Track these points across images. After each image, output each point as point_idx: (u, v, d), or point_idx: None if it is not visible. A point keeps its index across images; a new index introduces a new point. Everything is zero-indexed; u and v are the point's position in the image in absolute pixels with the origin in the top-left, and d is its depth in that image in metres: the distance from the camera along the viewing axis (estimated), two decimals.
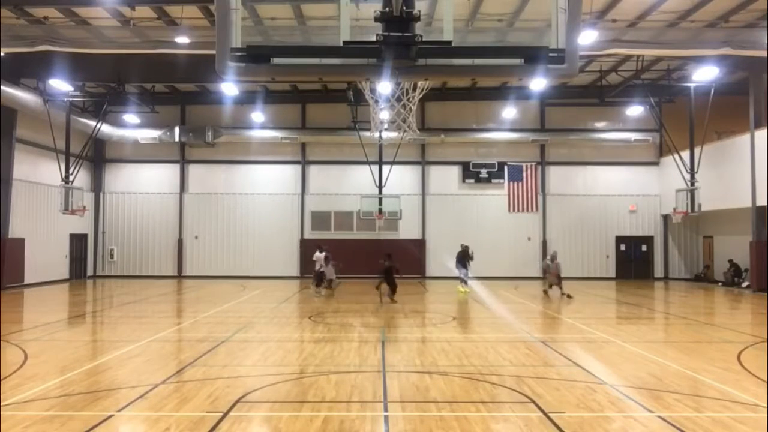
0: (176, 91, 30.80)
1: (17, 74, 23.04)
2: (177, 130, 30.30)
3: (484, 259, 26.54)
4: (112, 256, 31.47)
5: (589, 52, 19.86)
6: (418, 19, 4.03)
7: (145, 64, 22.24)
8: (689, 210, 25.17)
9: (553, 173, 31.50)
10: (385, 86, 20.54)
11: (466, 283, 23.49)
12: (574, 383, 8.99)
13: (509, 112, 30.24)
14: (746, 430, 6.88)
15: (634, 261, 31.00)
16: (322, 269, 22.08)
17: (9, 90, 22.62)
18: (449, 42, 4.07)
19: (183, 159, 31.67)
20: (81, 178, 28.28)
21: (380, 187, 28.51)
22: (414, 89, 19.99)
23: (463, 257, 23.65)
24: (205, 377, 9.36)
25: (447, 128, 30.61)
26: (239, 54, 4.05)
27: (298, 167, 31.58)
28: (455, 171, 31.46)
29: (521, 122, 30.82)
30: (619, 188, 31.18)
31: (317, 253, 22.39)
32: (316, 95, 31.12)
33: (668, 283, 29.43)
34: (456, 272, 24.15)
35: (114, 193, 31.73)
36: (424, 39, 4.03)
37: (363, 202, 28.82)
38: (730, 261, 26.95)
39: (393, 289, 19.59)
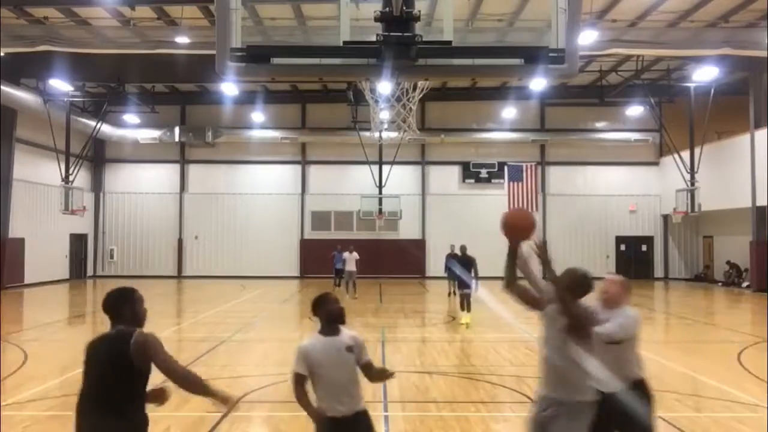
0: (176, 91, 30.79)
1: (17, 74, 23.03)
2: (177, 130, 30.28)
3: (484, 259, 26.47)
4: (112, 256, 31.47)
5: (589, 52, 19.87)
6: (418, 19, 4.02)
7: (145, 64, 22.24)
8: (689, 210, 25.17)
9: (553, 173, 31.49)
10: (385, 86, 20.53)
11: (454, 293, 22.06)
12: None
13: (509, 112, 30.22)
14: (746, 430, 6.88)
15: (634, 261, 30.97)
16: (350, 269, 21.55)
17: (9, 90, 22.60)
18: (449, 42, 4.06)
19: (183, 159, 31.67)
20: (81, 178, 28.27)
21: (380, 187, 28.52)
22: (414, 89, 19.98)
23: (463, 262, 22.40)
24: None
25: (447, 128, 30.59)
26: (239, 54, 4.04)
27: (298, 167, 31.58)
28: (455, 171, 31.45)
29: (521, 122, 30.80)
30: (619, 188, 31.17)
31: (348, 254, 22.05)
32: (316, 95, 31.11)
33: (668, 283, 29.44)
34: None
35: (114, 193, 31.72)
36: (424, 39, 4.03)
37: (363, 202, 28.82)
38: (728, 262, 26.92)
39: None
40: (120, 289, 3.87)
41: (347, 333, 4.41)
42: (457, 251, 22.49)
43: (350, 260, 21.96)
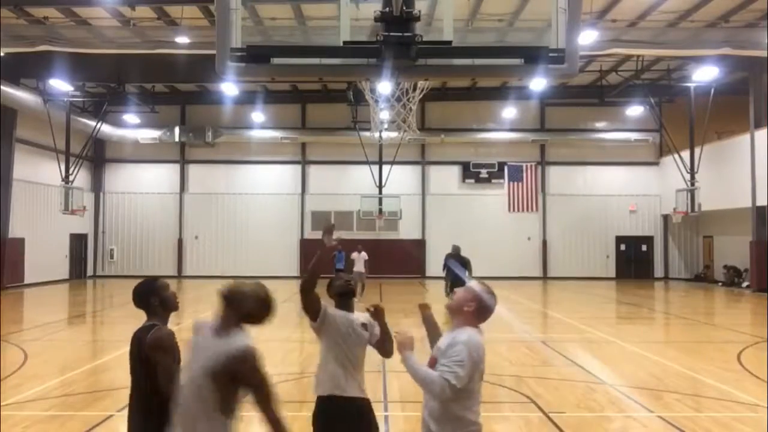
0: (176, 91, 30.79)
1: (17, 74, 23.03)
2: (177, 130, 30.27)
3: (484, 259, 26.53)
4: (112, 256, 31.46)
5: (589, 52, 19.87)
6: (418, 19, 4.02)
7: (145, 64, 22.24)
8: (689, 210, 25.16)
9: (553, 173, 31.49)
10: (385, 86, 20.50)
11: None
12: (574, 383, 8.99)
13: (509, 112, 30.22)
14: (746, 430, 6.88)
15: (634, 261, 30.98)
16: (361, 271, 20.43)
17: (9, 90, 22.57)
18: (449, 42, 4.06)
19: (183, 159, 31.66)
20: (81, 178, 28.26)
21: (380, 187, 28.51)
22: (414, 89, 19.96)
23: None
24: None
25: (447, 128, 30.58)
26: (239, 54, 4.04)
27: (298, 167, 31.58)
28: (455, 171, 31.44)
29: (521, 122, 30.80)
30: (619, 188, 31.16)
31: (356, 254, 20.97)
32: (316, 95, 31.10)
33: (668, 283, 29.44)
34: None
35: (114, 193, 31.71)
36: (424, 39, 4.02)
37: (363, 202, 28.81)
38: (726, 266, 26.88)
39: None
40: (141, 283, 3.96)
41: (361, 314, 4.64)
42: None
43: (359, 261, 21.04)
